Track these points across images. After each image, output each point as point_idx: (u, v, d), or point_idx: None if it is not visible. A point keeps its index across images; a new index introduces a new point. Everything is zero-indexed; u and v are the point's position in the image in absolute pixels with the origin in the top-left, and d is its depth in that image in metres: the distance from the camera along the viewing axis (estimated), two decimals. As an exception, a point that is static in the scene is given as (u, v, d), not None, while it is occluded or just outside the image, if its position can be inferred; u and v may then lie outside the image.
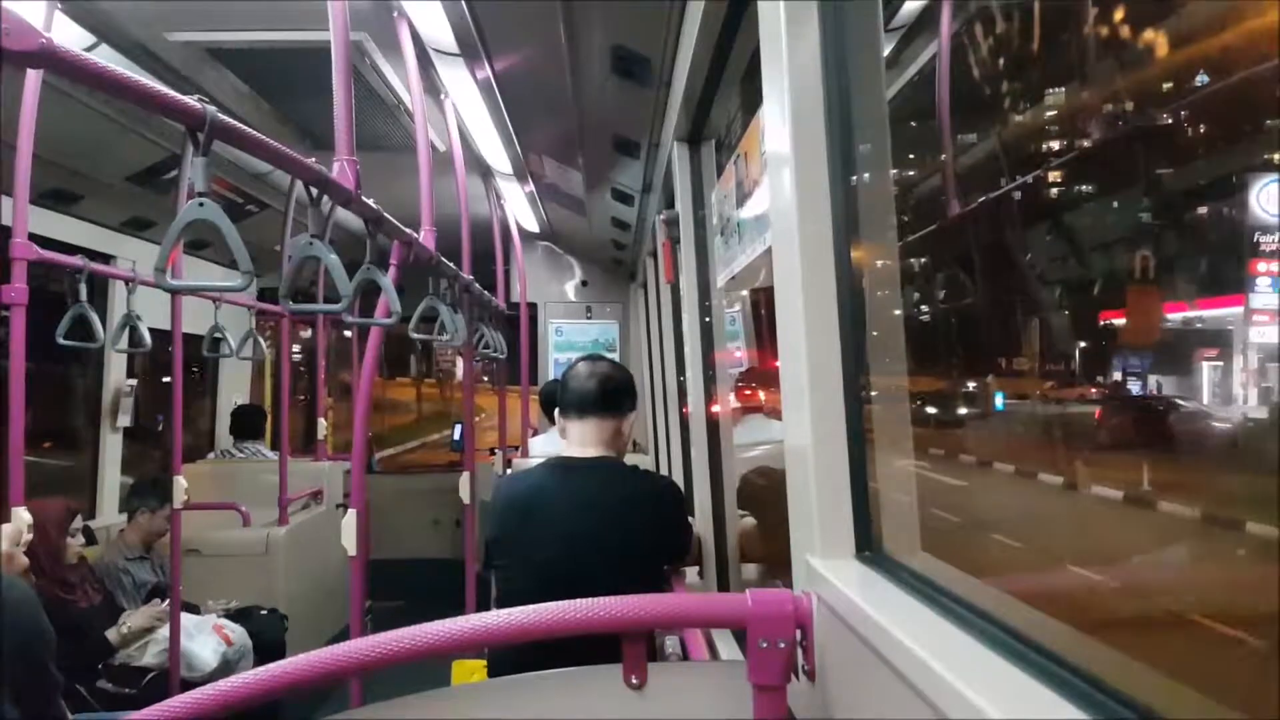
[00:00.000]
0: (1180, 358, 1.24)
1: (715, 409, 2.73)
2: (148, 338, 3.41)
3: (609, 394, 2.14)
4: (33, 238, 2.64)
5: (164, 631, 3.36)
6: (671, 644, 2.31)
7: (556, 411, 2.23)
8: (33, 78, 2.42)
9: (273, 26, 2.65)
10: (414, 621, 1.24)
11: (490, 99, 3.14)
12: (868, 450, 1.19)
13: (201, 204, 1.38)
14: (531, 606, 1.25)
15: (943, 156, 1.68)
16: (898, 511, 1.21)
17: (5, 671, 0.85)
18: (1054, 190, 1.54)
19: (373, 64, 2.90)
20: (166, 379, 4.43)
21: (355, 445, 2.48)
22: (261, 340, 4.57)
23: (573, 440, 2.14)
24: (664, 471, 4.73)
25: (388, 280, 2.00)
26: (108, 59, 2.14)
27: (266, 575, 4.31)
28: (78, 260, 3.15)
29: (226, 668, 3.51)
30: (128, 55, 2.74)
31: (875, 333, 1.23)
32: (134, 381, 4.43)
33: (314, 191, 1.73)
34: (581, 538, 1.98)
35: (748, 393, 3.62)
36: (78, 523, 3.36)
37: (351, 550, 2.30)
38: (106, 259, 4.02)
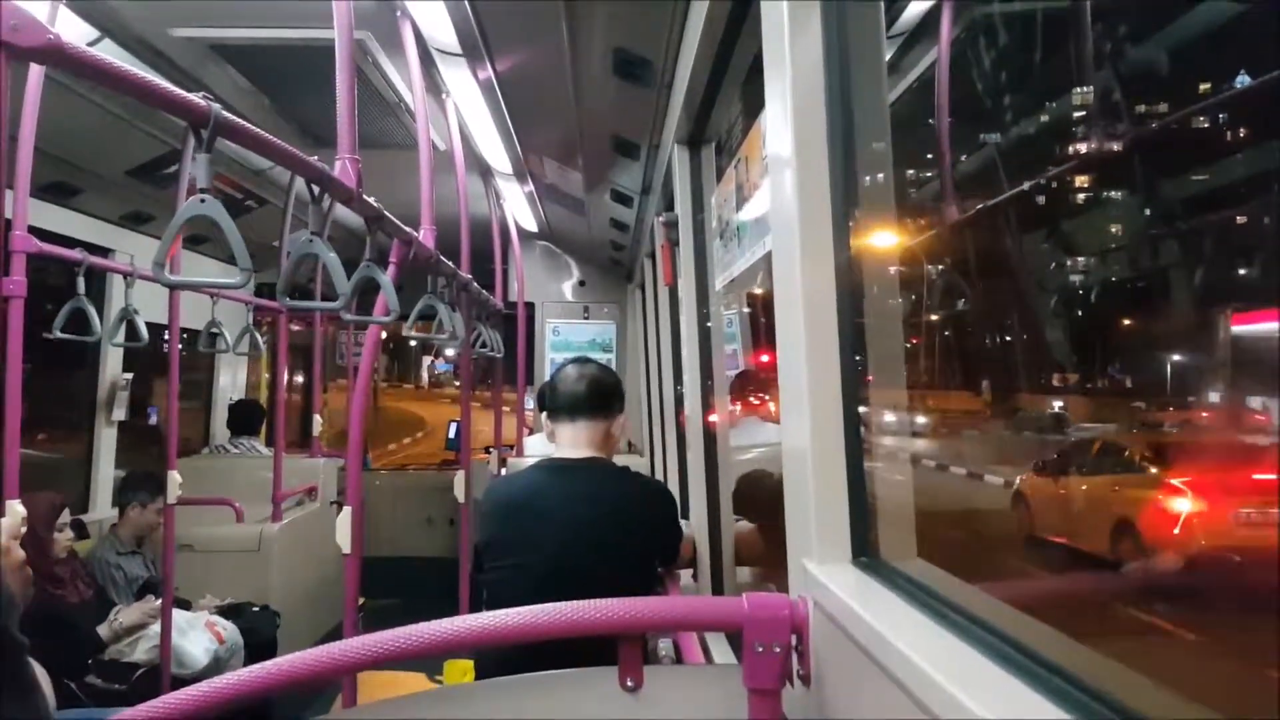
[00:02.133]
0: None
1: (712, 411, 2.73)
2: (145, 332, 3.41)
3: (598, 396, 2.15)
4: (32, 230, 2.64)
5: (155, 627, 3.35)
6: (665, 647, 2.31)
7: (544, 415, 2.23)
8: (36, 71, 2.42)
9: (276, 24, 2.65)
10: (408, 620, 1.24)
11: (491, 99, 3.15)
12: (867, 456, 1.19)
13: (203, 200, 1.38)
14: (527, 608, 1.25)
15: (961, 156, 1.69)
16: (894, 517, 1.21)
17: None
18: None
19: (375, 63, 2.90)
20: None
21: (351, 442, 2.47)
22: (259, 335, 4.57)
23: (563, 442, 2.15)
24: (660, 474, 4.73)
25: (386, 278, 2.00)
26: (111, 54, 2.14)
27: (259, 572, 4.30)
28: (77, 254, 3.15)
29: (217, 665, 3.50)
30: (131, 51, 2.74)
31: (880, 338, 1.23)
32: (129, 375, 4.43)
33: (315, 189, 1.73)
34: (577, 537, 1.98)
35: (747, 396, 3.62)
36: (66, 517, 3.35)
37: (346, 548, 2.30)
38: (105, 253, 4.01)
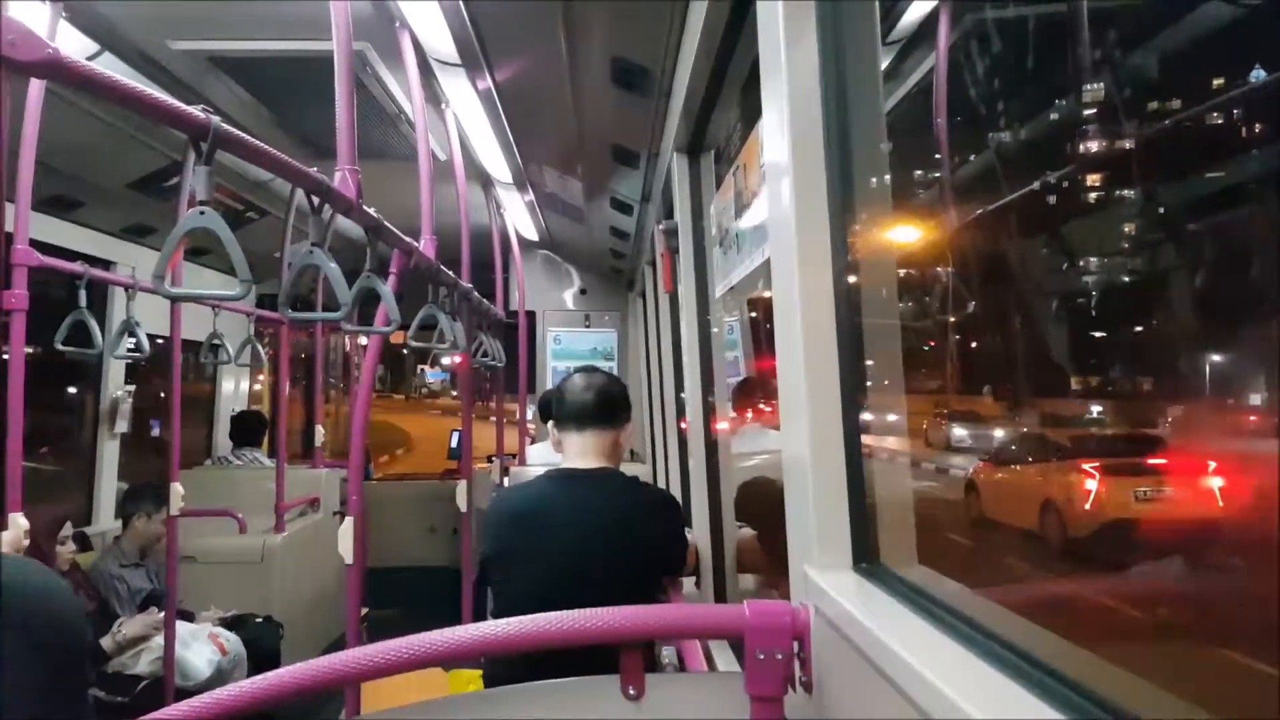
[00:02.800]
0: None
1: (713, 419, 2.73)
2: (146, 344, 3.42)
3: (607, 406, 2.14)
4: (33, 244, 2.65)
5: (159, 639, 3.35)
6: (668, 654, 2.30)
7: (551, 424, 2.22)
8: (36, 85, 2.43)
9: (275, 36, 2.65)
10: (410, 630, 1.24)
11: (491, 109, 3.15)
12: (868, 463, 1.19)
13: (203, 212, 1.39)
14: (530, 616, 1.25)
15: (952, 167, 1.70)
16: (895, 523, 1.21)
17: (40, 669, 0.82)
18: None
19: (374, 73, 2.91)
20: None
21: (353, 453, 2.47)
22: (260, 347, 4.58)
23: (571, 452, 2.14)
24: (661, 481, 4.73)
25: (387, 289, 2.00)
26: (110, 67, 2.15)
27: (262, 583, 4.30)
28: (78, 266, 3.16)
29: (220, 677, 3.49)
30: (130, 63, 2.75)
31: (878, 343, 1.23)
32: (132, 388, 4.43)
33: (315, 200, 1.74)
34: (585, 547, 1.98)
35: (750, 403, 3.62)
36: (68, 529, 3.35)
37: (348, 558, 2.30)
38: (106, 265, 4.02)
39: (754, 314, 4.57)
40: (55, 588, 0.88)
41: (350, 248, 3.88)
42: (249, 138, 1.53)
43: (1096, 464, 1.97)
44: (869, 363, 1.23)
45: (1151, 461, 1.67)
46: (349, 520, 2.30)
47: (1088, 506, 1.96)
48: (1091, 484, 1.97)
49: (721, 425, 2.71)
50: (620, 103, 2.79)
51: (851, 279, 1.22)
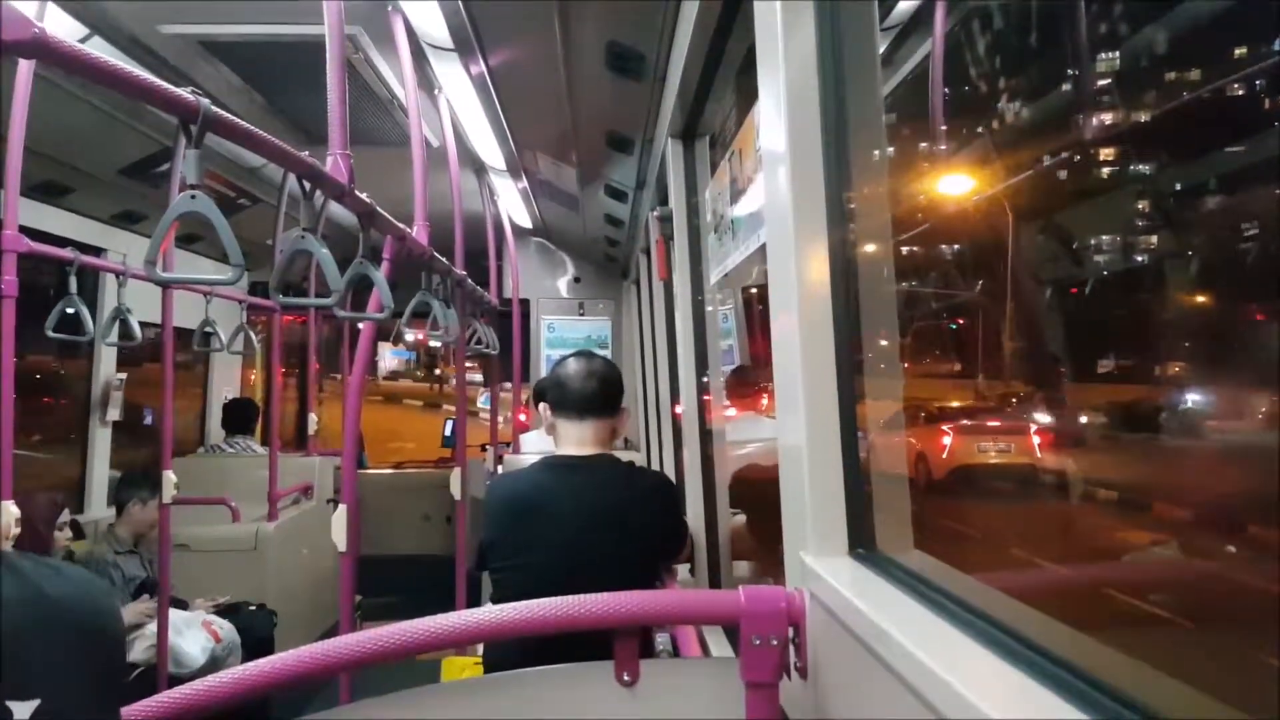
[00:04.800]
0: None
1: (708, 406, 2.73)
2: (138, 331, 3.40)
3: (605, 394, 2.14)
4: (23, 230, 2.63)
5: (152, 627, 3.34)
6: (663, 641, 2.31)
7: (545, 409, 2.21)
8: (24, 69, 2.41)
9: (266, 20, 2.63)
10: (404, 618, 1.23)
11: (484, 94, 3.13)
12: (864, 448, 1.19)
13: (193, 197, 1.37)
14: (525, 602, 1.24)
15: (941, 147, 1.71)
16: (890, 508, 1.21)
17: (85, 670, 0.80)
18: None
19: (366, 58, 2.89)
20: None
21: (346, 441, 2.47)
22: (253, 334, 4.56)
23: (568, 440, 2.13)
24: (655, 469, 4.72)
25: (380, 275, 1.99)
26: (100, 51, 2.13)
27: (256, 571, 4.29)
28: (68, 253, 3.14)
29: (214, 664, 3.49)
30: (120, 48, 2.73)
31: (875, 329, 1.22)
32: (124, 375, 4.41)
33: (307, 186, 1.72)
34: (584, 535, 1.98)
35: (743, 391, 3.62)
36: (65, 516, 3.34)
37: (342, 546, 2.29)
38: (97, 252, 4.00)
39: (752, 290, 4.57)
40: (96, 587, 0.87)
41: (343, 235, 3.87)
42: (239, 121, 1.51)
43: (952, 426, 2.67)
44: (882, 343, 1.23)
45: (991, 424, 2.43)
46: (342, 508, 2.29)
47: (945, 456, 2.69)
48: (947, 440, 2.69)
49: (724, 413, 2.71)
50: (615, 88, 2.77)
51: (849, 265, 1.21)
